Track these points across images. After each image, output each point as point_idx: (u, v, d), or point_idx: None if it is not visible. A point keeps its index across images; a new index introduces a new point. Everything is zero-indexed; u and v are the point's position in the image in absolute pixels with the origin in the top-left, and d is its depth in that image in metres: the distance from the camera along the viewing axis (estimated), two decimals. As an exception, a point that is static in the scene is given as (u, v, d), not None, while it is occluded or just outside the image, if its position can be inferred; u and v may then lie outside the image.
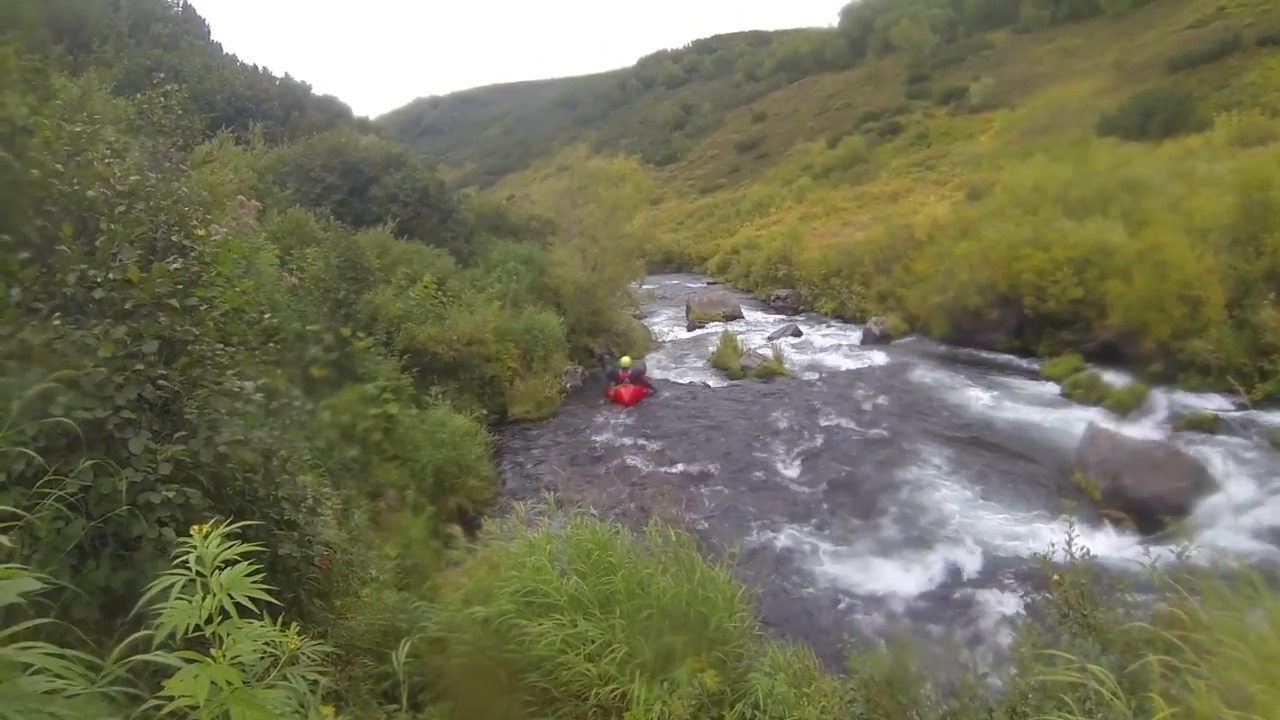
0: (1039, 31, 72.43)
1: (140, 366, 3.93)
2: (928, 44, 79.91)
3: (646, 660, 4.54)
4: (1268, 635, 2.82)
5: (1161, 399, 15.58)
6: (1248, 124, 28.68)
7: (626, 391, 19.32)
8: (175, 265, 4.52)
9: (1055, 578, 4.04)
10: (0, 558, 2.13)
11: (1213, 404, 14.92)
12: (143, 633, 2.32)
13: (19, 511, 3.16)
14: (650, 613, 4.84)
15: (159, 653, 2.19)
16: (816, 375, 21.01)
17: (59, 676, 2.02)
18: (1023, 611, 7.47)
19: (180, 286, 4.42)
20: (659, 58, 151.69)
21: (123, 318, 4.13)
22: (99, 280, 4.18)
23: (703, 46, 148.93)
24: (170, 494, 3.70)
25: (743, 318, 31.36)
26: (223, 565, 2.32)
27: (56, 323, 3.93)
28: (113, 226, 4.53)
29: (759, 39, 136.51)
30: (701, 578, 5.16)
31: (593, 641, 4.65)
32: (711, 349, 24.49)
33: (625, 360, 20.37)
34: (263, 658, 2.36)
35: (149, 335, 4.06)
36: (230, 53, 44.34)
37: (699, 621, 4.86)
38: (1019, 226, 21.42)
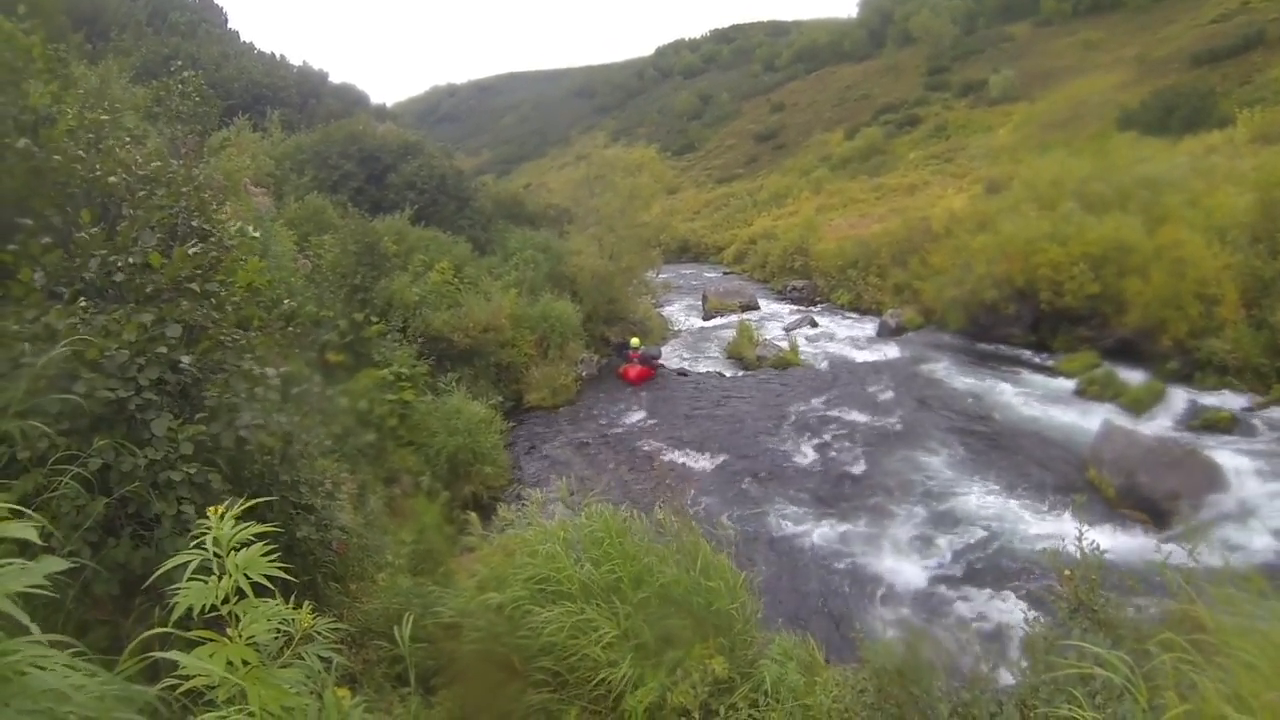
0: (1060, 24, 71.76)
1: (163, 349, 3.97)
2: (947, 35, 79.30)
3: (649, 645, 4.58)
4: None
5: (1178, 397, 15.49)
6: (1270, 120, 28.31)
7: (632, 370, 20.59)
8: (195, 249, 4.56)
9: (1066, 573, 4.04)
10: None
11: (1230, 403, 14.81)
12: (157, 626, 2.35)
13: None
14: (648, 597, 4.87)
15: (175, 636, 2.22)
16: (831, 366, 20.98)
17: (75, 664, 2.05)
18: (1034, 606, 7.47)
19: (200, 271, 4.47)
20: (677, 47, 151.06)
21: (144, 302, 4.17)
22: (119, 265, 4.23)
23: (721, 36, 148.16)
24: (191, 471, 3.74)
25: (759, 308, 31.25)
26: (239, 546, 2.35)
27: (83, 304, 3.98)
28: (134, 212, 4.58)
29: (777, 29, 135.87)
30: (704, 565, 5.18)
31: (597, 628, 4.68)
32: (728, 338, 24.50)
33: (634, 341, 21.80)
34: (277, 636, 2.39)
35: (172, 319, 4.10)
36: (247, 41, 44.50)
37: (702, 608, 4.89)
38: (1037, 221, 21.30)
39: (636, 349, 21.31)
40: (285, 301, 7.12)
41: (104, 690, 2.16)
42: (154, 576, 2.47)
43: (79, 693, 1.98)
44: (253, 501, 2.58)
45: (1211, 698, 2.66)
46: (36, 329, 3.76)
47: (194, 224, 4.96)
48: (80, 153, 4.76)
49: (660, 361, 21.84)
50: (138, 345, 3.90)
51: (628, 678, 4.45)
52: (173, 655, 2.17)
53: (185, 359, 4.11)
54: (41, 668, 1.94)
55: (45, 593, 2.02)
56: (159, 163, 5.11)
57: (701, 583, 5.00)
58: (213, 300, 4.56)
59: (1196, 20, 53.16)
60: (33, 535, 2.06)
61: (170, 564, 2.37)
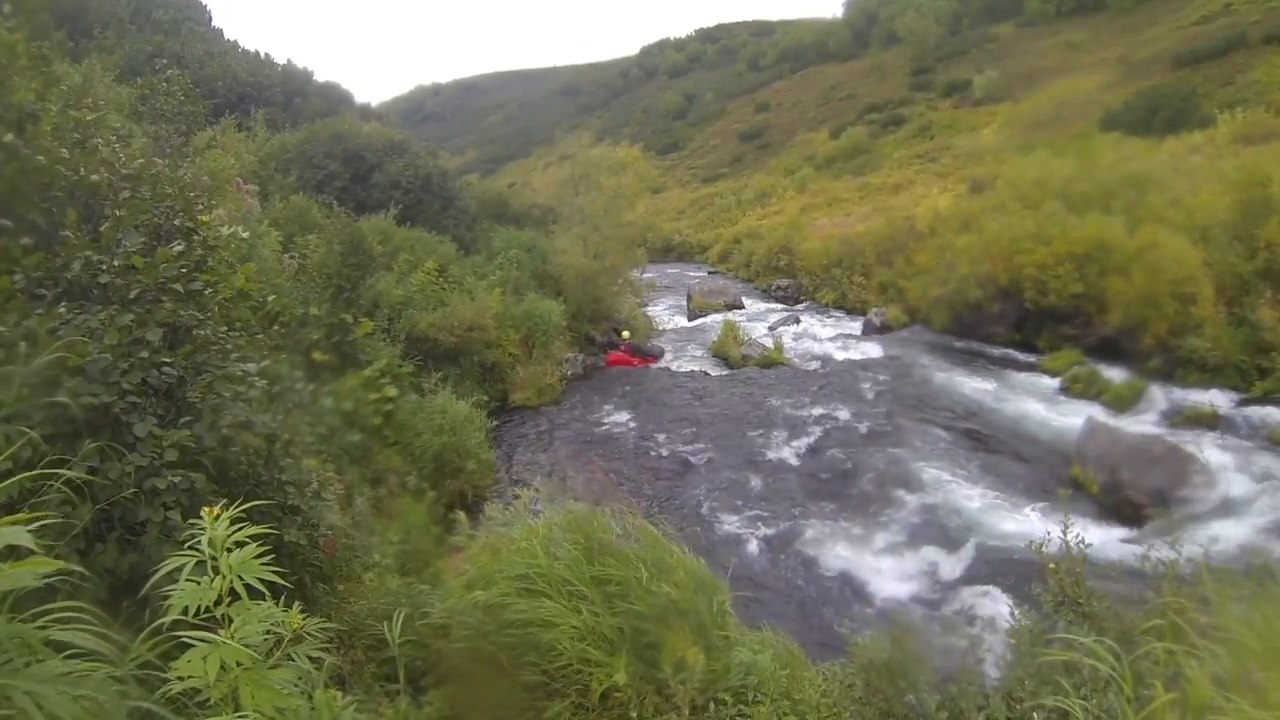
0: (1044, 25, 72.10)
1: (145, 354, 3.96)
2: (932, 36, 79.56)
3: (610, 638, 4.59)
4: (1273, 622, 2.86)
5: (1160, 394, 15.61)
6: (1252, 122, 28.52)
7: (612, 355, 23.32)
8: (179, 248, 4.55)
9: (1051, 566, 4.08)
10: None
11: (1212, 400, 14.93)
12: (146, 630, 2.35)
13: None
14: (610, 593, 4.89)
15: (178, 632, 2.22)
16: (816, 365, 21.05)
17: (87, 655, 2.05)
18: (1019, 600, 7.52)
19: (184, 271, 4.45)
20: (662, 46, 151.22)
21: (128, 304, 4.16)
22: (104, 266, 4.21)
23: (706, 35, 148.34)
24: (176, 479, 3.74)
25: (743, 307, 31.32)
26: (231, 548, 2.36)
27: (62, 309, 3.96)
28: (117, 212, 4.55)
29: (762, 29, 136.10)
30: (671, 562, 5.20)
31: (573, 625, 4.69)
32: (712, 338, 24.56)
33: (625, 334, 24.38)
34: (267, 635, 2.39)
35: (153, 322, 4.09)
36: (232, 39, 44.21)
37: (665, 604, 4.90)
38: (1021, 220, 21.43)
39: (626, 340, 23.86)
40: (270, 298, 7.08)
41: (112, 674, 2.16)
42: (153, 580, 2.46)
43: (101, 687, 1.98)
44: (246, 506, 2.58)
45: (1199, 684, 2.69)
46: (18, 333, 3.74)
47: (177, 223, 4.93)
48: (64, 152, 4.73)
49: (646, 349, 24.24)
50: (120, 349, 3.88)
51: (592, 663, 4.47)
52: (182, 637, 2.17)
53: (167, 360, 4.09)
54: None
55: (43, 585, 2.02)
56: (142, 160, 5.08)
57: (654, 586, 5.00)
58: (196, 300, 4.54)
59: (1179, 22, 53.54)
60: (28, 540, 2.05)
61: (168, 566, 2.37)
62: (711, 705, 4.16)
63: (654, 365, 23.23)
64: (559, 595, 4.88)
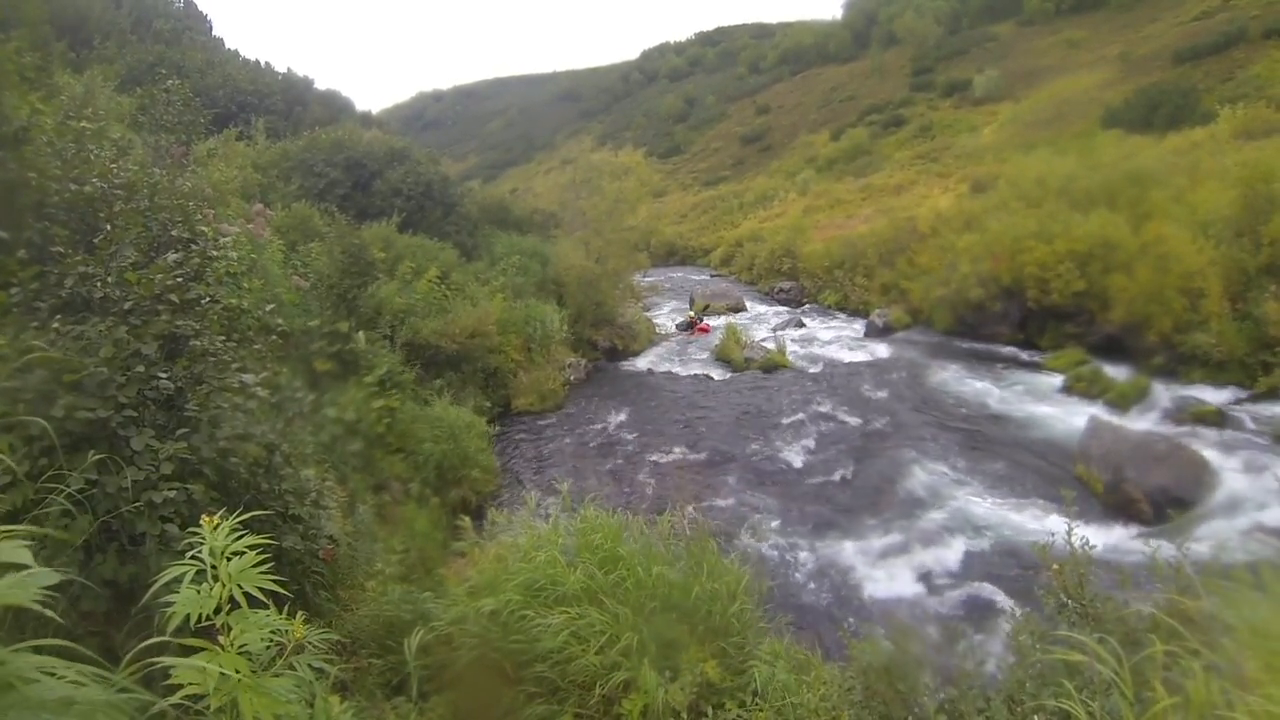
0: (1043, 23, 72.18)
1: (141, 368, 3.97)
2: (931, 36, 79.66)
3: (649, 650, 4.57)
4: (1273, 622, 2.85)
5: (1164, 392, 15.55)
6: (1252, 117, 28.41)
7: (699, 326, 27.35)
8: (175, 258, 4.55)
9: (1055, 567, 4.06)
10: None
11: (1216, 397, 14.88)
12: (153, 633, 2.35)
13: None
14: (654, 604, 4.86)
15: (169, 646, 2.22)
16: (819, 367, 21.02)
17: (75, 682, 2.04)
18: (1022, 602, 7.49)
19: (180, 280, 4.45)
20: (662, 50, 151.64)
21: (123, 316, 4.16)
22: (98, 279, 4.22)
23: (705, 39, 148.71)
24: (172, 493, 3.74)
25: (746, 310, 31.38)
26: (230, 556, 2.36)
27: (57, 324, 3.97)
28: (109, 225, 4.56)
29: (762, 31, 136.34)
30: (710, 569, 5.18)
31: (602, 633, 4.67)
32: (715, 340, 24.53)
33: (693, 313, 28.99)
34: (269, 646, 2.39)
35: (149, 335, 4.09)
36: (232, 48, 44.42)
37: (703, 614, 4.89)
38: (1022, 219, 21.40)
39: (697, 317, 28.38)
40: (269, 308, 7.09)
41: (103, 698, 2.15)
42: (154, 588, 2.46)
43: (81, 697, 1.97)
44: (244, 516, 2.58)
45: (1202, 685, 2.68)
46: (15, 347, 3.75)
47: (173, 233, 4.93)
48: (57, 168, 4.74)
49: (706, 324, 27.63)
50: (116, 363, 3.89)
51: (621, 682, 4.44)
52: (167, 660, 2.17)
53: (164, 375, 4.10)
54: (50, 673, 1.93)
55: (36, 605, 2.01)
56: (136, 167, 5.08)
57: (698, 588, 4.97)
58: (194, 310, 4.54)
59: (1179, 18, 53.57)
60: (27, 558, 2.05)
61: (168, 575, 2.37)
62: (710, 710, 4.16)
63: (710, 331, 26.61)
64: (582, 603, 4.86)
